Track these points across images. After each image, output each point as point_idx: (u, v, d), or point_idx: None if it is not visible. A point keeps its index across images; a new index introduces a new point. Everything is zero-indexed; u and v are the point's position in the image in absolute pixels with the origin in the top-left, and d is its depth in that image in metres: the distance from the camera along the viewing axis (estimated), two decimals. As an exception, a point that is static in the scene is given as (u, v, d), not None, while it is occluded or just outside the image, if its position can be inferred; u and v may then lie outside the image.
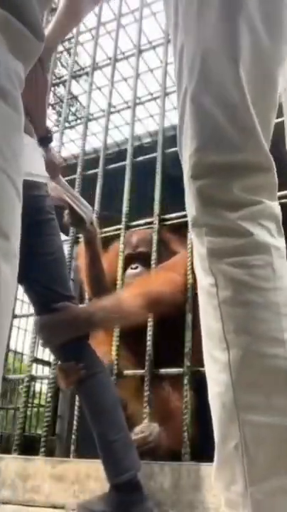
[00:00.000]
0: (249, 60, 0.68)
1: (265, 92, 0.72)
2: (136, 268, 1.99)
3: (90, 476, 1.51)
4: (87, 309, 1.58)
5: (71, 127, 3.20)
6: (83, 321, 1.44)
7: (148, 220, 2.02)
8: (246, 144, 0.69)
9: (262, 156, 0.70)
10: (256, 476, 0.65)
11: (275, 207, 0.73)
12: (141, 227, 2.07)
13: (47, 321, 1.38)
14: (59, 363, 1.52)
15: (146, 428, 1.60)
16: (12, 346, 4.08)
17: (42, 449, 1.78)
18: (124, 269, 1.97)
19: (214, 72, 0.68)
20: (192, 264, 1.80)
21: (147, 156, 2.21)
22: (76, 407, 1.82)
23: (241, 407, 0.66)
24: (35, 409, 4.71)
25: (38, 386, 4.67)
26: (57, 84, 3.18)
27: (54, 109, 4.23)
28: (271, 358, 0.65)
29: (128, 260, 2.00)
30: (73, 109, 4.93)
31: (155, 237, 1.95)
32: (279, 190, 1.78)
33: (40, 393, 4.87)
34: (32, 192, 1.35)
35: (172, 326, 1.79)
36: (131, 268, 1.99)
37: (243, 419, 0.66)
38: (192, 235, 0.75)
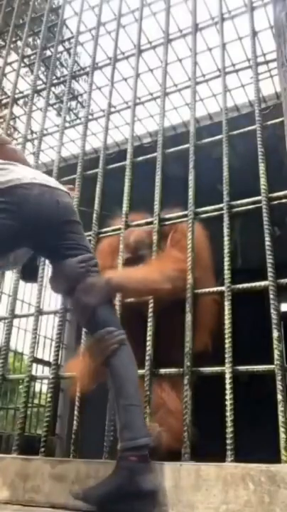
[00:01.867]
0: None
1: None
2: None
3: (90, 476, 1.51)
4: (115, 275, 1.71)
5: (71, 127, 3.20)
6: (113, 286, 1.59)
7: (148, 220, 2.02)
8: None
9: None
10: None
11: None
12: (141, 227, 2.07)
13: (84, 285, 1.52)
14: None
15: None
16: (12, 346, 4.08)
17: (42, 449, 1.78)
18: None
19: None
20: (192, 263, 1.81)
21: (147, 156, 2.21)
22: (76, 407, 1.82)
23: None
24: (35, 409, 4.71)
25: (37, 386, 4.67)
26: (57, 84, 3.18)
27: (54, 108, 4.22)
28: None
29: (128, 263, 2.00)
30: (73, 109, 4.92)
31: (155, 237, 1.95)
32: (279, 190, 1.80)
33: (40, 393, 4.87)
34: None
35: (168, 326, 1.79)
36: None
37: None
38: None
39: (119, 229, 2.07)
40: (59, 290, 1.71)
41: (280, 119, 1.84)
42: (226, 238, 1.80)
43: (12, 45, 3.30)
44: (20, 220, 1.48)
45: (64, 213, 1.59)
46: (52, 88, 2.97)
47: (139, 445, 1.34)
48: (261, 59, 2.57)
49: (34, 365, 2.48)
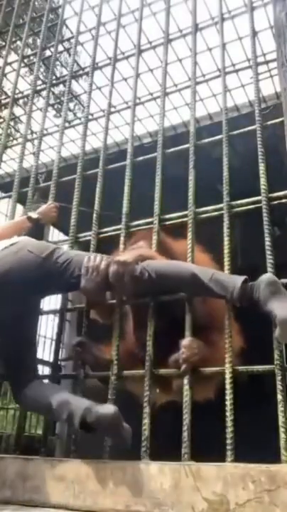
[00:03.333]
0: None
1: None
2: None
3: (90, 476, 1.51)
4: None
5: (71, 127, 3.20)
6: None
7: (148, 220, 2.02)
8: None
9: None
10: None
11: None
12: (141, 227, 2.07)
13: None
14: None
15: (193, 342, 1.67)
16: (12, 346, 4.07)
17: (42, 449, 1.78)
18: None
19: None
20: (191, 263, 1.80)
21: (147, 156, 2.21)
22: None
23: None
24: (35, 409, 4.69)
25: (37, 386, 4.65)
26: (57, 84, 3.18)
27: (54, 109, 4.23)
28: None
29: None
30: (73, 109, 4.92)
31: (155, 238, 1.95)
32: (279, 190, 1.80)
33: (40, 393, 4.86)
34: None
35: (170, 327, 1.79)
36: None
37: None
38: None
39: (119, 229, 2.07)
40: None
41: (280, 119, 1.84)
42: (226, 238, 1.80)
43: (12, 45, 3.30)
44: None
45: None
46: (52, 88, 2.97)
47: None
48: (261, 59, 2.57)
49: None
